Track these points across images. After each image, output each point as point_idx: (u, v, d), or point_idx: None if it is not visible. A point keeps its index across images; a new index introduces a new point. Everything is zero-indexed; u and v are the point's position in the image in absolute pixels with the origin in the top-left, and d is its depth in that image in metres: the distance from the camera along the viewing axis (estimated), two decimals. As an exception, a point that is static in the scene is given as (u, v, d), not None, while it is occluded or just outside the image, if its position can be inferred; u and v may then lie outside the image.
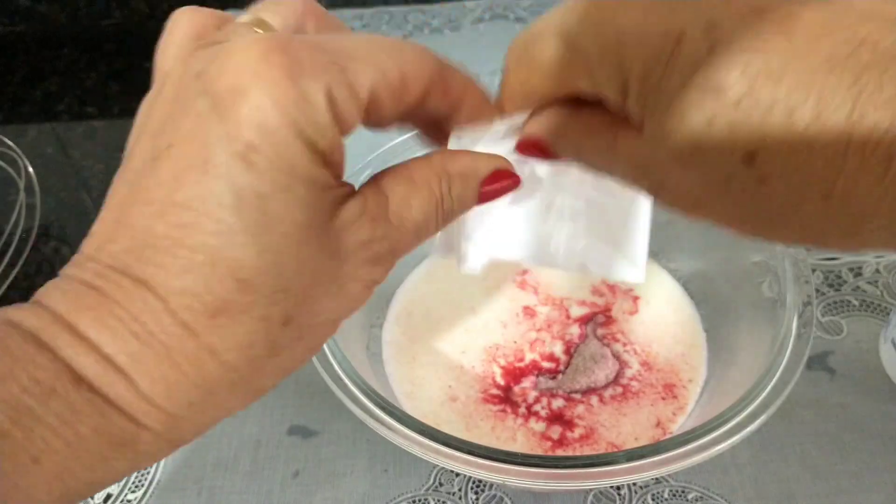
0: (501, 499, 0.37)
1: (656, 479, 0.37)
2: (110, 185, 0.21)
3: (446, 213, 0.24)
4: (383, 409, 0.30)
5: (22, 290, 0.49)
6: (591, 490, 0.37)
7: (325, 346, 0.32)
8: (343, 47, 0.21)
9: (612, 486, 0.37)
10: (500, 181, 0.25)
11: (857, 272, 0.46)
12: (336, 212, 0.21)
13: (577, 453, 0.36)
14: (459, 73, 0.26)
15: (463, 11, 0.70)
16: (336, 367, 0.32)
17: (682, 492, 0.37)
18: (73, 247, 0.55)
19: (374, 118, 0.22)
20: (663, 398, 0.38)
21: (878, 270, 0.46)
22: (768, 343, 0.34)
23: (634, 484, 0.37)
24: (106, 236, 0.20)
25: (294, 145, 0.19)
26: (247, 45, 0.19)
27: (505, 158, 0.26)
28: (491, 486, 0.38)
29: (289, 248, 0.19)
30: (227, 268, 0.19)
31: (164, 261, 0.19)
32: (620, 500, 0.37)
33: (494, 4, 0.70)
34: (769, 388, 0.31)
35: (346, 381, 0.31)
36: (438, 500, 0.37)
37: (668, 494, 0.37)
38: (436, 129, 0.26)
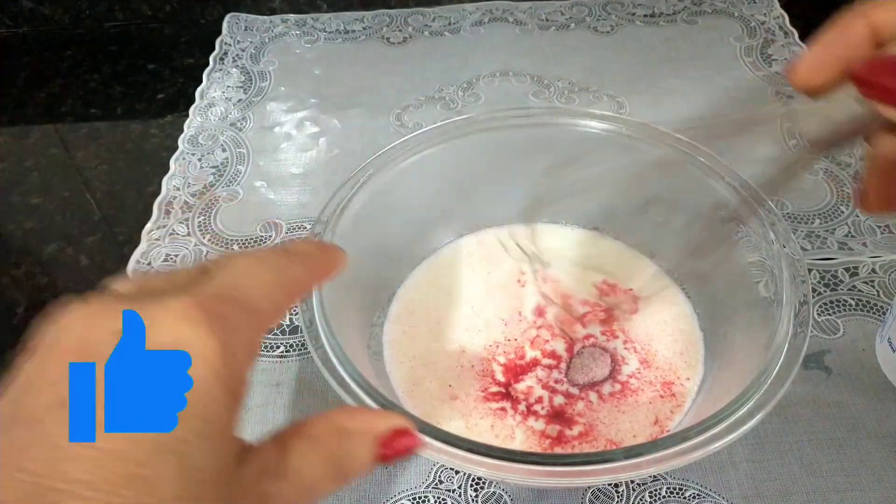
0: (501, 496, 0.38)
1: (654, 476, 0.38)
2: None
3: (341, 470, 0.24)
4: (384, 407, 0.31)
5: (27, 290, 0.50)
6: (589, 487, 0.38)
7: (326, 346, 0.33)
8: (241, 286, 0.22)
9: (610, 484, 0.38)
10: (399, 441, 0.25)
11: (853, 272, 0.46)
12: (239, 463, 0.22)
13: (576, 451, 0.36)
14: (327, 264, 0.28)
15: (462, 14, 0.70)
16: (337, 365, 0.32)
17: (680, 489, 0.37)
18: (77, 248, 0.56)
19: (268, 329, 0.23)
20: (661, 396, 0.38)
21: (874, 270, 0.46)
22: (765, 342, 0.34)
23: (632, 481, 0.38)
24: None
25: (214, 393, 0.20)
26: (167, 307, 0.20)
27: (405, 418, 0.25)
28: (490, 483, 0.38)
29: (200, 493, 0.19)
30: None
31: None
32: (618, 497, 0.37)
33: (493, 7, 0.70)
34: (766, 386, 0.31)
35: (348, 379, 0.32)
36: (438, 498, 0.38)
37: (666, 492, 0.37)
38: None
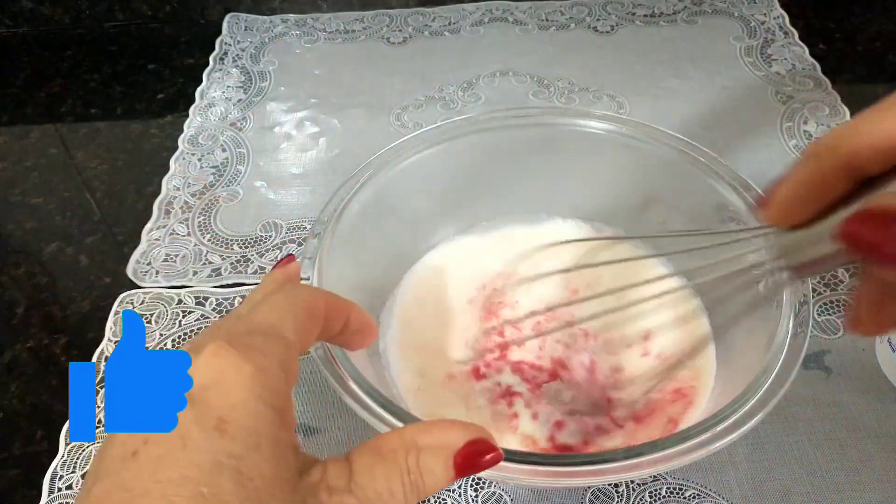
0: (501, 496, 0.38)
1: (654, 476, 0.38)
2: (80, 494, 0.22)
3: (415, 485, 0.24)
4: (384, 407, 0.31)
5: (27, 290, 0.50)
6: (589, 487, 0.38)
7: (325, 346, 0.33)
8: (265, 321, 0.25)
9: (610, 484, 0.38)
10: (477, 453, 0.25)
11: (853, 272, 0.46)
12: (301, 475, 0.23)
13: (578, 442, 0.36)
14: (340, 298, 0.29)
15: (462, 14, 0.70)
16: (337, 365, 0.32)
17: (680, 489, 0.37)
18: (77, 248, 0.56)
19: (302, 352, 0.26)
20: (673, 400, 0.38)
21: (874, 270, 0.46)
22: (765, 342, 0.34)
23: (632, 481, 0.38)
24: None
25: (258, 410, 0.22)
26: (202, 352, 0.23)
27: (483, 429, 0.25)
28: (490, 483, 0.38)
29: (264, 500, 0.21)
30: None
31: None
32: (618, 497, 0.37)
33: (493, 7, 0.70)
34: (766, 386, 0.31)
35: (348, 379, 0.32)
36: (438, 498, 0.38)
37: (666, 492, 0.37)
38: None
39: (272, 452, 0.22)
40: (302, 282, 0.32)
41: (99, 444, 0.40)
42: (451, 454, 0.25)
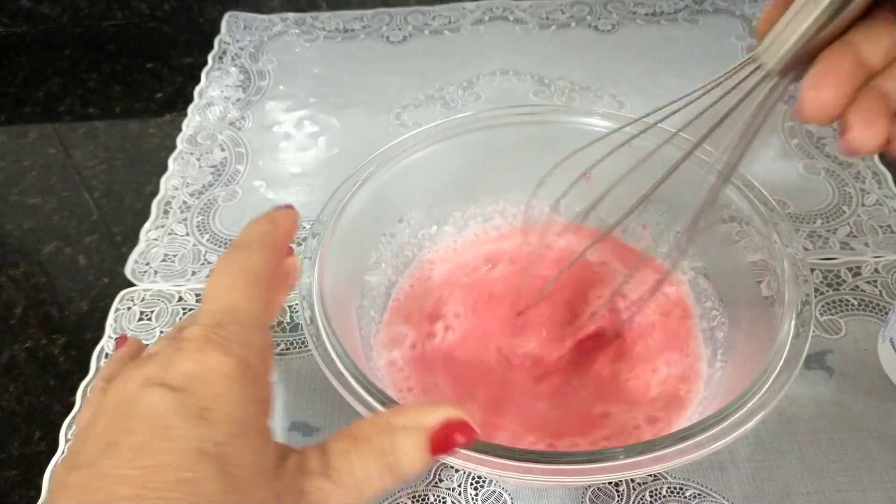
0: (500, 495, 0.38)
1: (654, 476, 0.38)
2: (52, 487, 0.23)
3: (390, 466, 0.24)
4: (384, 404, 0.31)
5: (25, 290, 0.49)
6: (589, 486, 0.37)
7: (326, 343, 0.33)
8: (227, 312, 0.25)
9: (610, 483, 0.37)
10: (452, 434, 0.25)
11: (855, 272, 0.46)
12: (280, 463, 0.24)
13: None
14: (262, 235, 0.29)
15: (462, 13, 0.70)
16: (337, 363, 0.32)
17: (680, 489, 0.37)
18: (75, 248, 0.56)
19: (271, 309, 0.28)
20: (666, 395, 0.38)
21: (876, 270, 0.46)
22: (767, 342, 0.34)
23: (633, 480, 0.38)
24: None
25: (240, 399, 0.23)
26: (185, 347, 0.24)
27: (461, 410, 0.25)
28: (490, 481, 0.38)
29: (244, 487, 0.22)
30: None
31: None
32: (619, 496, 0.37)
33: (494, 6, 0.70)
34: (767, 386, 0.31)
35: (348, 377, 0.32)
36: (438, 497, 0.38)
37: (667, 491, 0.37)
38: None
39: (255, 441, 0.23)
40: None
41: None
42: (426, 434, 0.24)
